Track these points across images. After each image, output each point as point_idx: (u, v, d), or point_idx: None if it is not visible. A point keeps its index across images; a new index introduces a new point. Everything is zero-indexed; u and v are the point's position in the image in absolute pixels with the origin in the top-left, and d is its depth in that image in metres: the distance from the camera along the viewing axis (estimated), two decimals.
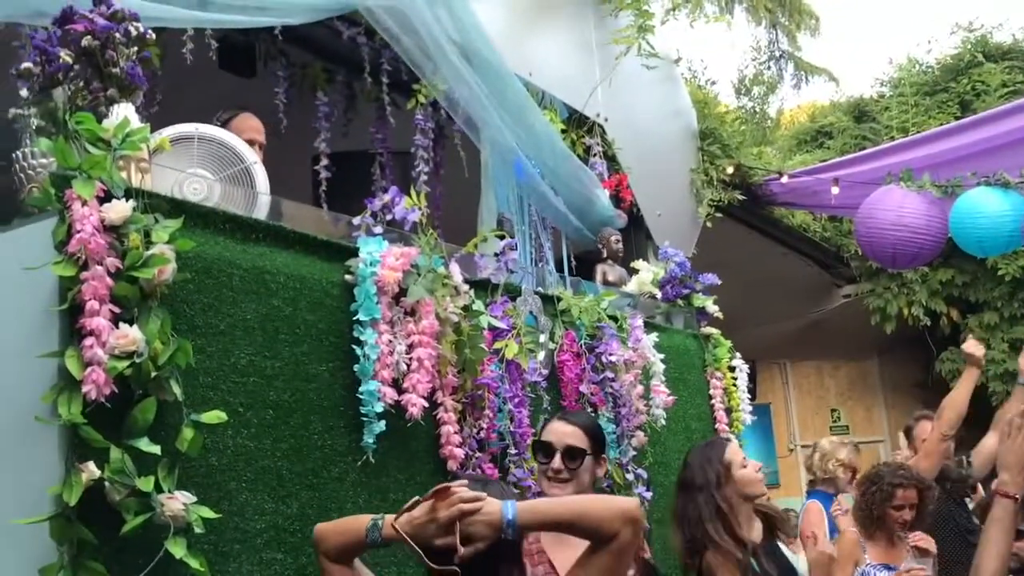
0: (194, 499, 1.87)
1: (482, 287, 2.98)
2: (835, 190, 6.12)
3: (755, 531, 3.22)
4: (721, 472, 3.07)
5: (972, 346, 4.38)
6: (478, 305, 2.80)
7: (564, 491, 2.51)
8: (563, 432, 2.57)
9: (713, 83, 7.55)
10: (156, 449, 1.84)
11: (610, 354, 3.31)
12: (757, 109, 11.94)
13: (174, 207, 2.06)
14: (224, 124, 3.28)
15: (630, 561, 1.96)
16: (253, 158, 2.44)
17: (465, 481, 1.83)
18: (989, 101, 7.82)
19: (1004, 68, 8.28)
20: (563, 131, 5.08)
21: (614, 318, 3.53)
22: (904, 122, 8.49)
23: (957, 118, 7.52)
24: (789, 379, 10.37)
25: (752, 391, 9.69)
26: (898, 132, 8.23)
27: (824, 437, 5.07)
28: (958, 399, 4.30)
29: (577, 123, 5.32)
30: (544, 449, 2.57)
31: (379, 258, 2.45)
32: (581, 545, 1.91)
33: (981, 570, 2.23)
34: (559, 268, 4.92)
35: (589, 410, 3.22)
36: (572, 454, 2.53)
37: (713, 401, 4.22)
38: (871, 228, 5.20)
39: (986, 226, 4.70)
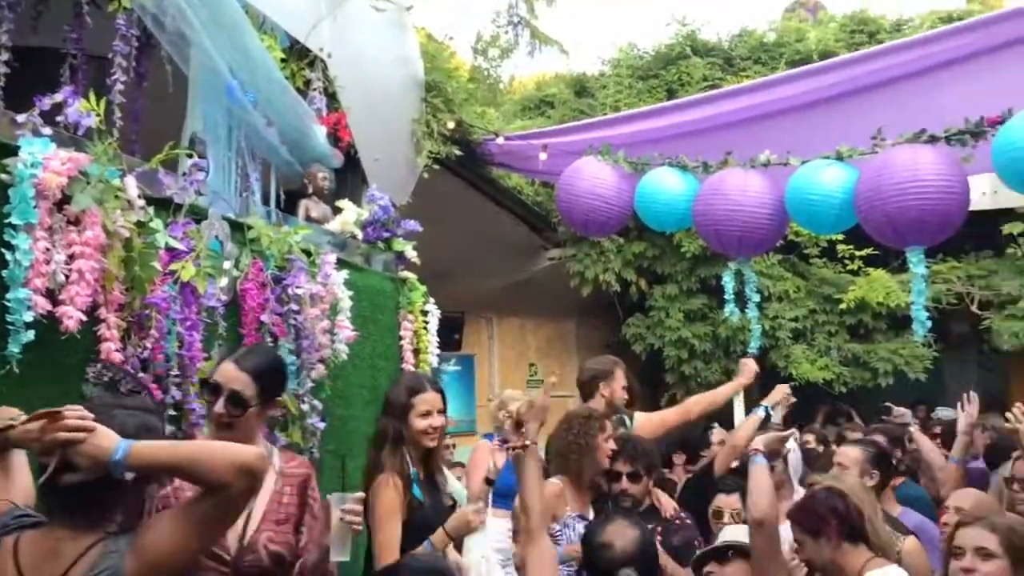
0: None
1: (165, 206, 2.89)
2: (543, 156, 6.46)
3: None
4: (401, 405, 3.29)
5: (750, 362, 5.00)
6: (156, 223, 2.72)
7: (223, 436, 2.49)
8: (232, 376, 2.55)
9: (451, 38, 7.62)
10: None
11: (297, 287, 3.34)
12: (491, 72, 12.26)
13: None
14: None
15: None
16: None
17: (79, 408, 1.80)
18: (690, 91, 8.56)
19: (707, 63, 9.10)
20: (283, 61, 4.96)
21: (307, 252, 3.56)
22: (618, 101, 9.11)
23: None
24: (495, 334, 10.85)
25: (458, 342, 10.12)
26: (611, 110, 8.80)
27: (508, 389, 5.40)
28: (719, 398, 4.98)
29: (298, 55, 5.22)
30: (212, 389, 2.56)
31: (42, 160, 2.31)
32: None
33: (535, 511, 2.53)
34: (266, 200, 4.84)
35: (269, 340, 3.24)
36: (236, 401, 2.52)
37: (403, 342, 4.37)
38: (569, 194, 5.54)
39: (664, 202, 5.19)
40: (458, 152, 6.82)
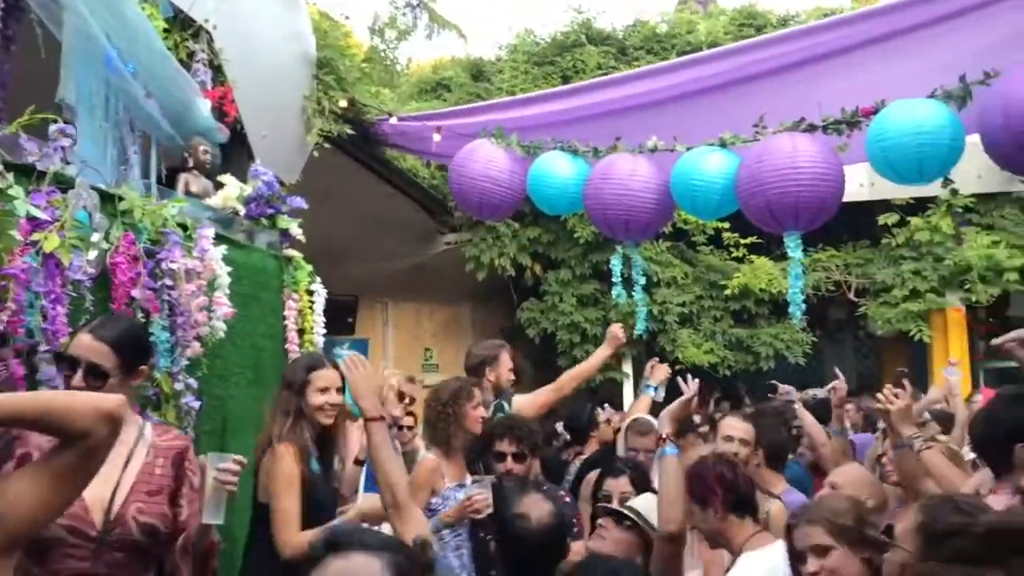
0: None
1: (27, 173, 2.75)
2: (436, 137, 6.41)
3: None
4: (299, 381, 3.25)
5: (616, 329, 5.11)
6: (16, 190, 2.59)
7: None
8: (89, 348, 2.46)
9: (347, 18, 7.48)
10: None
11: (172, 261, 3.23)
12: (388, 53, 12.13)
13: None
14: None
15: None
16: None
17: None
18: (585, 79, 8.62)
19: (601, 52, 9.20)
20: (165, 31, 4.78)
21: (184, 226, 3.45)
22: (514, 86, 9.12)
23: None
24: (389, 318, 10.76)
25: (352, 326, 9.99)
26: (507, 94, 8.79)
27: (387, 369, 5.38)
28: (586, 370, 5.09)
29: (182, 25, 5.04)
30: (69, 362, 2.46)
31: None
32: None
33: (400, 485, 2.53)
34: (146, 174, 4.66)
35: (141, 316, 3.12)
36: (95, 373, 2.44)
37: (286, 322, 4.28)
38: (462, 176, 5.52)
39: (555, 186, 5.22)
40: (350, 131, 6.71)
